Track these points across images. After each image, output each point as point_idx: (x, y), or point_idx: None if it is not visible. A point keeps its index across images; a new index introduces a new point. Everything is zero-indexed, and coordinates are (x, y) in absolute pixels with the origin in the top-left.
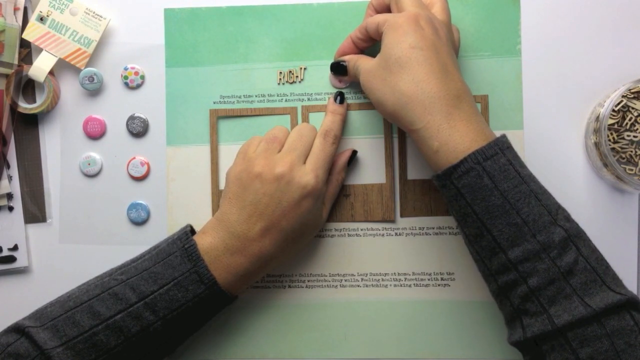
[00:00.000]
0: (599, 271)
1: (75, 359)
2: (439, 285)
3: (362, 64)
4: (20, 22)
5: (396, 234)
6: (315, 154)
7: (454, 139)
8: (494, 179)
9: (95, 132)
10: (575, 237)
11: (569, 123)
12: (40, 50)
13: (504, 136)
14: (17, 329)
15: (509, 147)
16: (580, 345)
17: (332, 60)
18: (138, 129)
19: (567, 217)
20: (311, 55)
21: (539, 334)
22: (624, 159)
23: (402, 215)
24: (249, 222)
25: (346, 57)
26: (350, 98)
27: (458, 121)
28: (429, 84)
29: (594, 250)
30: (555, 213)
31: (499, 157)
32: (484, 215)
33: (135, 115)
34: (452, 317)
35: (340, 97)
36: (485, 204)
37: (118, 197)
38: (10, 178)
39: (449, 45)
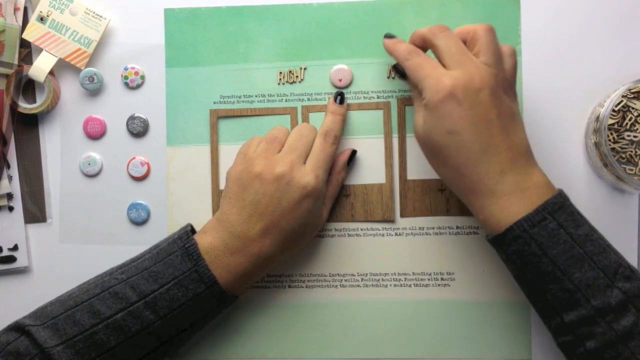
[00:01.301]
0: None
1: (75, 358)
2: (439, 285)
3: (414, 119)
4: (20, 22)
5: (396, 234)
6: (316, 154)
7: (495, 214)
8: (542, 246)
9: (95, 132)
10: (636, 297)
11: (569, 123)
12: (40, 50)
13: (557, 195)
14: (17, 328)
15: (562, 207)
16: None
17: (332, 60)
18: (138, 129)
19: (628, 276)
20: (311, 55)
21: None
22: (624, 159)
23: (402, 215)
24: (249, 222)
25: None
26: (350, 98)
27: (501, 197)
28: (468, 169)
29: None
30: (613, 273)
31: (547, 223)
32: (536, 280)
33: (135, 115)
34: (452, 317)
35: (340, 98)
36: (535, 270)
37: (118, 197)
38: (10, 178)
39: (494, 103)
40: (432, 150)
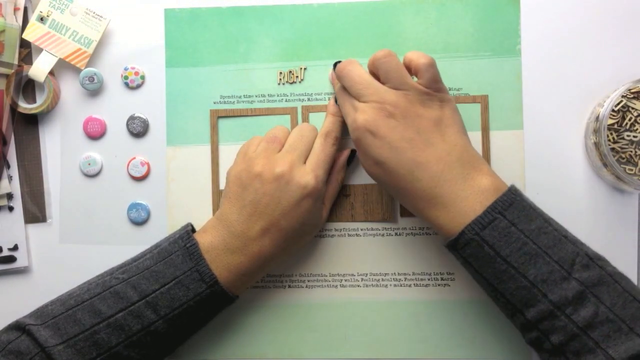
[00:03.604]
0: (626, 318)
1: (76, 357)
2: (439, 285)
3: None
4: (20, 22)
5: (396, 234)
6: (316, 154)
7: (445, 224)
8: (494, 247)
9: (95, 132)
10: (594, 286)
11: (569, 123)
12: (41, 50)
13: (507, 193)
14: (18, 327)
15: (513, 204)
16: None
17: (332, 60)
18: (138, 129)
19: (587, 264)
20: (311, 55)
21: None
22: (623, 159)
23: (402, 215)
24: (249, 221)
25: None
26: None
27: (442, 209)
28: (404, 190)
29: (620, 294)
30: (570, 264)
31: (498, 222)
32: (494, 280)
33: (136, 115)
34: (452, 317)
35: None
36: (491, 270)
37: (118, 197)
38: (10, 178)
39: (410, 123)
40: (375, 180)
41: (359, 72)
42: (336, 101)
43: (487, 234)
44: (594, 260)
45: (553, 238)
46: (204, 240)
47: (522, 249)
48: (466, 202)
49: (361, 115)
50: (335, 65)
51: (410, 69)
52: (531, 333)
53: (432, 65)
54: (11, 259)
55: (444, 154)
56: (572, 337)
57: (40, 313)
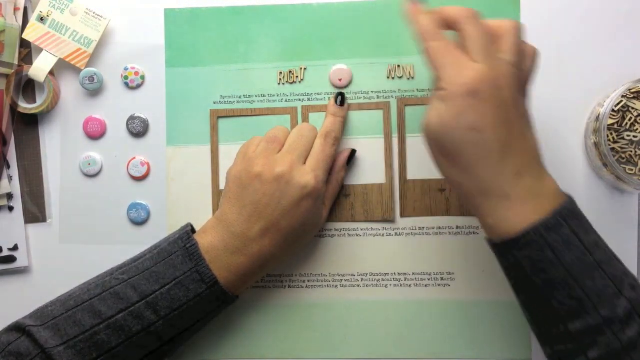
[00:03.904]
0: None
1: (76, 358)
2: (439, 285)
3: (427, 113)
4: (20, 22)
5: (396, 234)
6: (316, 155)
7: (509, 218)
8: (556, 252)
9: (95, 132)
10: None
11: (569, 123)
12: (41, 50)
13: (569, 202)
14: (18, 328)
15: (574, 213)
16: None
17: (332, 60)
18: (138, 129)
19: (633, 285)
20: (311, 55)
21: None
22: (623, 159)
23: (402, 215)
24: (249, 222)
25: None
26: (350, 98)
27: (514, 200)
28: (483, 169)
29: None
30: (620, 283)
31: (562, 229)
32: (545, 287)
33: (136, 115)
34: (452, 317)
35: (341, 98)
36: (546, 276)
37: (118, 197)
38: (10, 178)
39: (515, 104)
40: (444, 147)
41: (486, 29)
42: (336, 101)
43: (552, 238)
44: (638, 281)
45: (606, 254)
46: (204, 240)
47: (581, 259)
48: (537, 201)
49: (475, 72)
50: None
51: (497, 37)
52: (565, 345)
53: (538, 54)
54: (11, 259)
55: (530, 148)
56: (612, 354)
57: (40, 314)
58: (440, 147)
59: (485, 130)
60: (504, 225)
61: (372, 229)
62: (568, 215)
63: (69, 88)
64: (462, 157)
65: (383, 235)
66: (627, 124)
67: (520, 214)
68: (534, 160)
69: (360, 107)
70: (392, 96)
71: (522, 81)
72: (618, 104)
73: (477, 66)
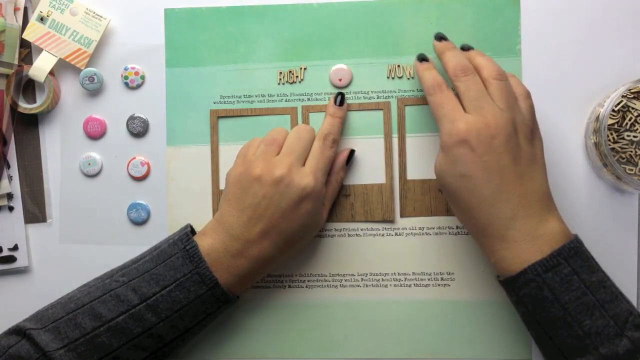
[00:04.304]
0: None
1: None
2: (439, 285)
3: (435, 160)
4: (20, 22)
5: (396, 234)
6: (315, 156)
7: (506, 259)
8: (554, 291)
9: (95, 132)
10: None
11: (569, 123)
12: (41, 50)
13: (573, 241)
14: (18, 331)
15: (577, 253)
16: None
17: (332, 60)
18: (138, 129)
19: (638, 325)
20: (311, 55)
21: None
22: (623, 159)
23: (402, 215)
24: (249, 224)
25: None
26: (350, 98)
27: (510, 242)
28: (478, 212)
29: None
30: (624, 322)
31: (562, 268)
32: (546, 324)
33: (135, 115)
34: (452, 317)
35: (340, 98)
36: (546, 314)
37: (118, 197)
38: (10, 178)
39: (509, 149)
40: (446, 190)
41: (478, 81)
42: (336, 101)
43: (549, 278)
44: None
45: (611, 293)
46: (204, 242)
47: (580, 299)
48: (535, 243)
49: (465, 124)
50: (438, 37)
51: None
52: None
53: (530, 95)
54: (11, 259)
55: (529, 192)
56: None
57: (40, 317)
58: (444, 190)
59: (476, 177)
60: (504, 264)
61: (372, 229)
62: (570, 255)
63: (69, 88)
64: (460, 200)
65: (383, 235)
66: (627, 124)
67: (517, 255)
68: (534, 203)
69: (360, 107)
70: (392, 96)
71: (523, 124)
72: (618, 104)
73: (467, 117)
